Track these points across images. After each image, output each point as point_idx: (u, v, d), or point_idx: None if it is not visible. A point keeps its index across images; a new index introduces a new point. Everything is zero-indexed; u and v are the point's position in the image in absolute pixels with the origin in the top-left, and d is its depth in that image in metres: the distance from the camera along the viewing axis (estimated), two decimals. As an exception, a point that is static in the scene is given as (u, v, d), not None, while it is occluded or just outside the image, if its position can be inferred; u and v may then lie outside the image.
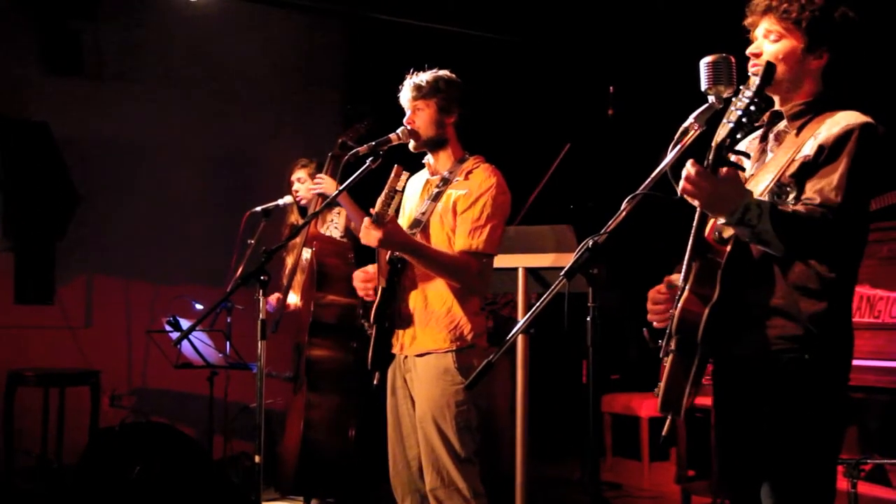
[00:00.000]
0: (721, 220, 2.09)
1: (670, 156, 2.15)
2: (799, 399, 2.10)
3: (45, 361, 5.20)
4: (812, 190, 2.08)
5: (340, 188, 3.15)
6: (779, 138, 2.25)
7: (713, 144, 2.00)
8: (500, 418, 4.80)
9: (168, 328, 4.45)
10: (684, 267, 2.15)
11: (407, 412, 3.01)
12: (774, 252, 2.05)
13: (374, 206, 2.78)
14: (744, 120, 1.97)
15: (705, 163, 2.01)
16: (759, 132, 2.33)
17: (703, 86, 2.18)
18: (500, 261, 3.14)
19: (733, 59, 2.18)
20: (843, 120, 2.12)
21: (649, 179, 2.14)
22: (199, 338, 4.40)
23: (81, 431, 4.98)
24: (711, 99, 2.18)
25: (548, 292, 2.13)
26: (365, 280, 3.05)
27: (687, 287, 2.11)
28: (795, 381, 2.09)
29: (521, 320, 2.24)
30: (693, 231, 2.13)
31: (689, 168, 2.01)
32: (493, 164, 3.06)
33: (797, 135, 2.18)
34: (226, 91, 5.94)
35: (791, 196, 2.12)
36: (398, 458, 3.03)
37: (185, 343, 4.28)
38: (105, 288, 5.70)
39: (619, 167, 5.21)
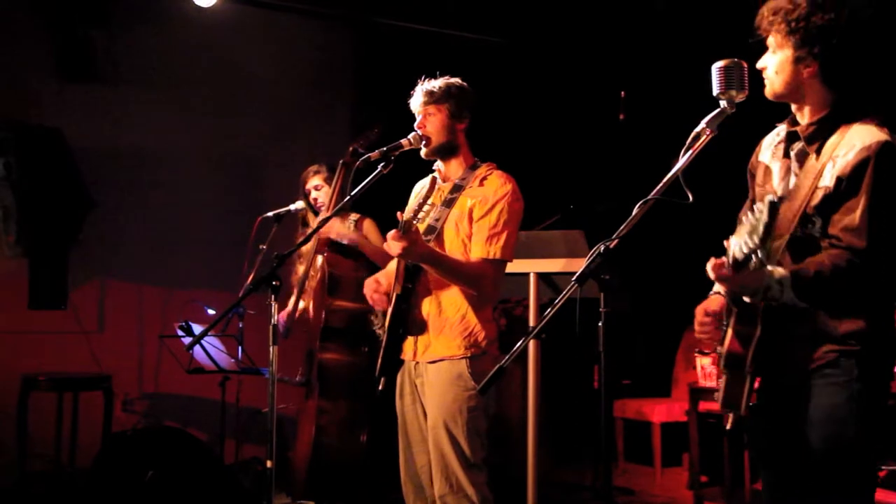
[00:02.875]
0: (747, 299, 2.13)
1: (682, 160, 2.15)
2: (844, 415, 2.11)
3: (59, 366, 5.22)
4: (837, 228, 2.09)
5: (356, 190, 3.12)
6: (800, 159, 2.24)
7: (731, 257, 2.00)
8: (511, 423, 4.79)
9: (180, 333, 4.46)
10: (725, 309, 2.22)
11: (415, 418, 3.01)
12: (803, 308, 2.09)
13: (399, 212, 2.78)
14: (752, 258, 1.96)
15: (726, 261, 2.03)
16: (782, 137, 2.32)
17: (715, 90, 2.18)
18: (512, 266, 3.14)
19: (745, 64, 2.18)
20: (858, 140, 2.10)
21: (661, 184, 2.14)
22: (212, 343, 4.41)
23: (94, 436, 5.00)
24: (723, 104, 2.18)
25: (559, 297, 2.13)
26: (376, 290, 3.05)
27: (730, 327, 2.18)
28: (841, 399, 2.11)
29: (533, 325, 2.24)
30: None
31: (709, 269, 2.08)
32: (503, 170, 3.06)
33: (817, 157, 2.17)
34: (237, 96, 5.96)
35: (818, 226, 2.13)
36: (408, 465, 3.03)
37: (197, 348, 4.30)
38: (118, 293, 5.72)
39: (630, 172, 5.20)
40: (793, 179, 2.23)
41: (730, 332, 2.18)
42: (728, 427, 2.25)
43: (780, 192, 2.24)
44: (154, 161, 5.70)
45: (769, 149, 2.36)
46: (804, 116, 2.24)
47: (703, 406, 5.18)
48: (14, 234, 5.16)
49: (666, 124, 3.71)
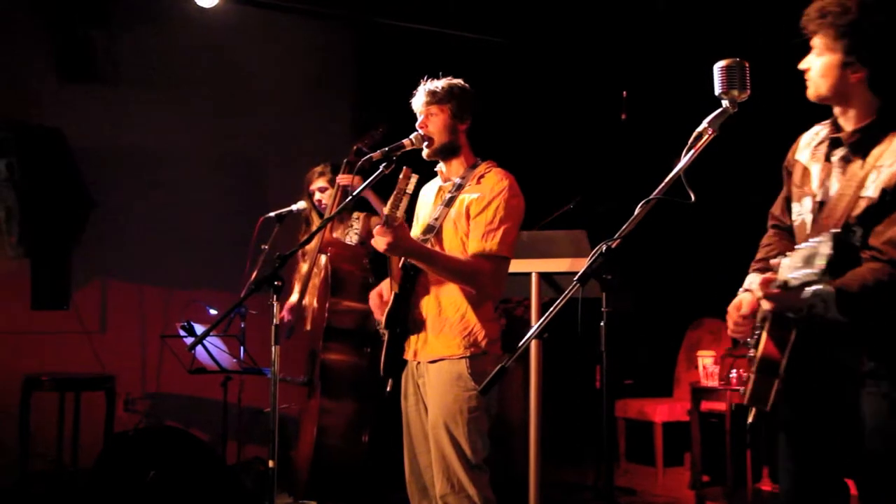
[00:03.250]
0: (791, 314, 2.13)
1: (684, 160, 2.15)
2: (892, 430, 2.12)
3: (61, 366, 5.23)
4: (879, 240, 2.07)
5: (358, 189, 3.14)
6: (843, 165, 2.22)
7: (781, 280, 1.98)
8: (513, 423, 4.79)
9: (182, 333, 4.46)
10: (759, 314, 2.22)
11: (418, 419, 3.01)
12: (846, 323, 2.07)
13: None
14: (806, 287, 1.95)
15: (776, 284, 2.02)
16: (822, 138, 2.31)
17: (717, 90, 2.18)
18: (514, 265, 3.13)
19: (747, 64, 2.18)
20: None
21: (663, 184, 2.14)
22: (214, 343, 4.41)
23: (96, 436, 5.00)
24: (725, 103, 2.18)
25: (561, 297, 2.13)
26: (379, 306, 3.06)
27: (765, 331, 2.17)
28: (885, 410, 2.12)
29: (535, 325, 2.24)
30: None
31: (756, 284, 2.10)
32: (505, 169, 3.06)
33: (861, 165, 2.16)
34: (238, 96, 5.97)
35: (858, 235, 2.11)
36: (412, 465, 3.03)
37: (199, 348, 4.30)
38: (120, 293, 5.73)
39: (632, 171, 5.20)
40: (835, 185, 2.21)
41: (764, 335, 2.17)
42: (750, 420, 2.29)
43: (819, 197, 2.23)
44: (155, 161, 5.70)
45: (808, 149, 2.34)
46: (849, 121, 2.23)
47: (705, 406, 5.18)
48: (16, 235, 5.17)
49: (668, 124, 3.71)
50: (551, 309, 2.13)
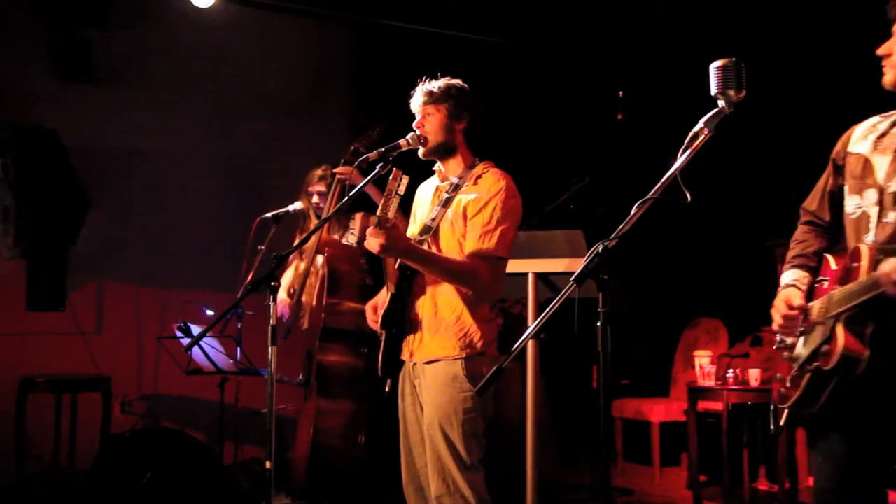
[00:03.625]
0: None
1: (680, 160, 2.15)
2: None
3: (57, 368, 5.22)
4: None
5: (355, 189, 3.14)
6: None
7: None
8: (510, 423, 4.79)
9: (179, 334, 4.46)
10: (835, 300, 2.17)
11: (415, 419, 3.01)
12: None
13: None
14: None
15: None
16: (886, 128, 2.29)
17: (713, 90, 2.18)
18: (511, 266, 3.13)
19: (743, 64, 2.18)
20: None
21: (660, 184, 2.14)
22: (210, 344, 4.41)
23: (93, 437, 4.99)
24: (721, 103, 2.18)
25: (558, 297, 2.13)
26: (374, 321, 3.07)
27: (840, 324, 2.14)
28: None
29: (532, 325, 2.25)
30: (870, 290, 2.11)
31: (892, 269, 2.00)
32: (503, 169, 3.06)
33: None
34: (235, 97, 5.96)
35: None
36: (409, 466, 3.03)
37: (195, 349, 4.30)
38: (116, 294, 5.72)
39: (628, 172, 5.21)
40: None
41: (840, 330, 2.13)
42: (782, 423, 2.27)
43: (893, 188, 2.19)
44: (152, 162, 5.70)
45: (866, 141, 2.31)
46: None
47: (702, 405, 5.18)
48: (12, 236, 5.16)
49: (664, 124, 3.72)
50: (548, 309, 2.13)
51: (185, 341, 4.31)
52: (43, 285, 5.28)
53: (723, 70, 2.16)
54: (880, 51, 2.20)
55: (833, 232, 2.41)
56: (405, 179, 2.76)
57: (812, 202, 2.47)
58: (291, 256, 4.65)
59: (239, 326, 4.75)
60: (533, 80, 6.26)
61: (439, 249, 2.97)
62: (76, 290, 5.50)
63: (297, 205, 4.68)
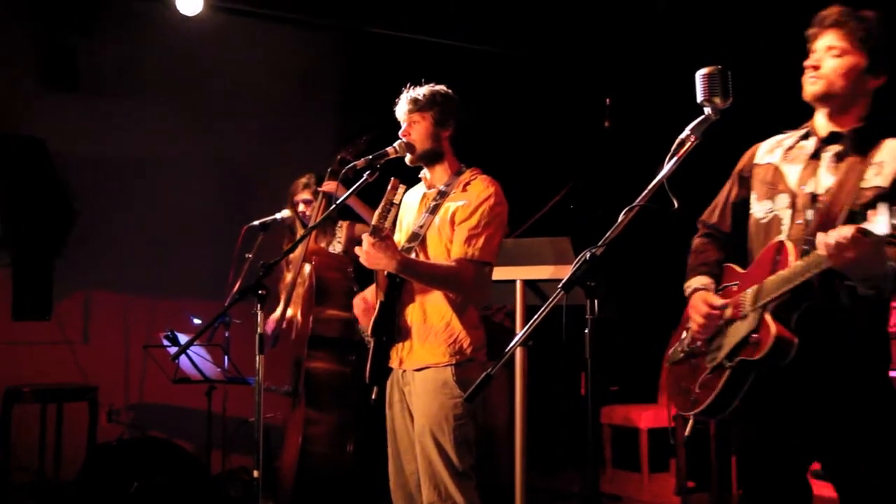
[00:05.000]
0: (850, 282, 2.15)
1: (667, 167, 2.16)
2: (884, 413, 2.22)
3: (43, 377, 5.18)
4: None
5: (342, 198, 3.15)
6: (837, 160, 2.29)
7: (866, 230, 1.96)
8: (498, 430, 4.79)
9: (166, 343, 4.44)
10: (759, 291, 2.24)
11: (404, 427, 3.00)
12: (883, 296, 2.16)
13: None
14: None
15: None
16: (797, 139, 2.40)
17: (699, 97, 2.20)
18: (498, 273, 3.14)
19: (729, 72, 2.20)
20: None
21: (647, 191, 2.15)
22: (198, 352, 4.40)
23: (79, 447, 4.96)
24: (707, 110, 2.20)
25: (546, 304, 2.13)
26: (364, 310, 3.06)
27: (768, 314, 2.21)
28: (878, 392, 2.23)
29: (520, 332, 2.25)
30: (804, 274, 2.17)
31: (847, 233, 2.00)
32: (490, 176, 3.06)
33: (860, 160, 2.24)
34: (223, 105, 5.95)
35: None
36: (397, 473, 3.02)
37: (183, 358, 4.28)
38: (103, 303, 5.69)
39: (616, 179, 5.22)
40: (828, 178, 2.28)
41: (770, 318, 2.20)
42: (687, 434, 2.35)
43: (810, 189, 2.29)
44: (139, 170, 5.68)
45: (773, 154, 2.43)
46: (843, 123, 2.32)
47: (690, 412, 5.19)
48: (-2, 244, 5.13)
49: (651, 131, 3.73)
50: (536, 316, 2.13)
51: (173, 350, 4.29)
52: (29, 294, 5.25)
53: (709, 78, 2.18)
54: (810, 62, 2.31)
55: (729, 244, 2.55)
56: (402, 189, 2.78)
57: (712, 215, 2.61)
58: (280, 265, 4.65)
59: (226, 335, 4.74)
60: (520, 87, 6.28)
61: (427, 257, 2.98)
62: (63, 299, 5.47)
63: (285, 213, 4.67)
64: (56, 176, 5.29)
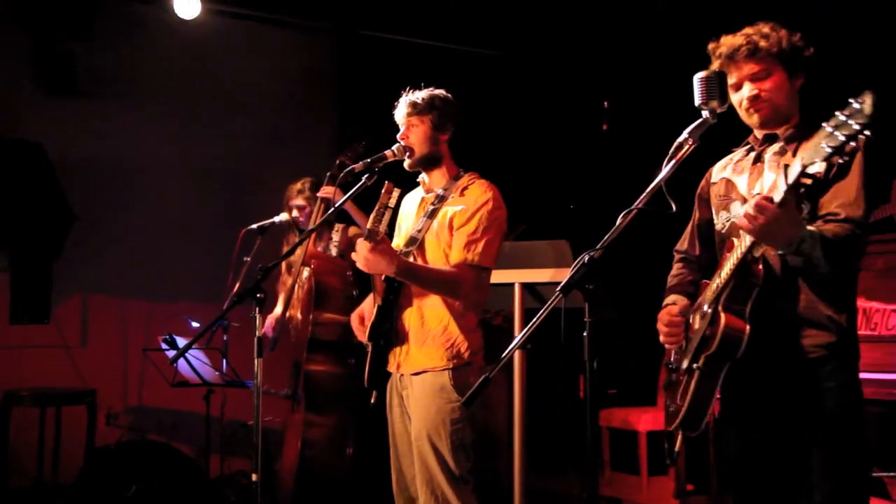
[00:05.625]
0: (775, 251, 2.19)
1: (665, 170, 2.17)
2: (839, 406, 2.21)
3: (41, 381, 5.18)
4: (833, 205, 2.19)
5: (340, 201, 3.15)
6: (776, 159, 2.32)
7: (791, 176, 2.01)
8: (497, 433, 4.79)
9: (164, 346, 4.44)
10: (716, 288, 2.26)
11: (404, 431, 3.00)
12: (820, 271, 2.16)
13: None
14: (808, 228, 2.09)
15: (778, 195, 2.05)
16: (743, 154, 2.45)
17: (697, 101, 2.21)
18: (497, 276, 3.14)
19: (726, 75, 2.21)
20: None
21: (645, 194, 2.16)
22: (196, 356, 4.39)
23: (77, 451, 4.95)
24: (705, 114, 2.20)
25: (544, 308, 2.13)
26: (359, 330, 3.06)
27: (720, 307, 2.22)
28: (831, 386, 2.21)
29: (518, 336, 2.25)
30: (739, 255, 2.20)
31: (751, 205, 2.07)
32: (488, 180, 3.07)
33: (793, 155, 2.25)
34: (221, 109, 5.95)
35: (805, 212, 2.22)
36: (399, 477, 3.02)
37: (181, 361, 4.28)
38: (101, 307, 5.68)
39: (614, 182, 5.22)
40: (770, 177, 2.30)
41: (722, 311, 2.21)
42: (676, 449, 2.37)
43: (756, 191, 2.31)
44: (137, 174, 5.67)
45: (725, 170, 2.49)
46: (782, 128, 2.37)
47: (689, 414, 5.19)
48: (-4, 248, 5.13)
49: (649, 135, 3.74)
50: (535, 319, 2.14)
51: (171, 353, 4.29)
52: (27, 298, 5.25)
53: (706, 81, 2.19)
54: (751, 93, 2.33)
55: (703, 265, 2.61)
56: (396, 192, 2.77)
57: (682, 243, 2.68)
58: (279, 269, 4.65)
59: (225, 338, 4.73)
60: (519, 91, 6.28)
61: (425, 261, 2.97)
62: (61, 303, 5.46)
63: (283, 216, 4.68)
64: (54, 179, 5.29)
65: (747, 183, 2.38)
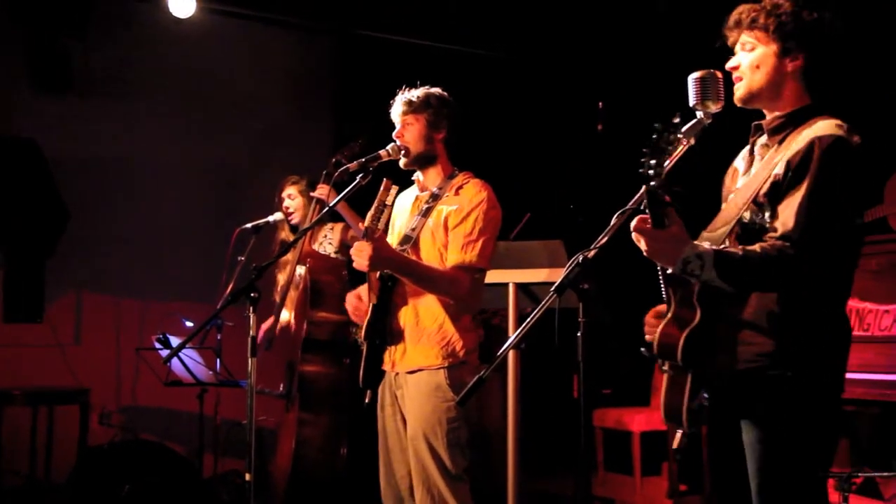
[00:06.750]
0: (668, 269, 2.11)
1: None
2: (781, 414, 2.09)
3: (34, 380, 5.16)
4: (777, 219, 2.08)
5: (334, 201, 3.15)
6: (763, 152, 2.25)
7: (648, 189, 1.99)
8: (491, 434, 4.79)
9: (158, 346, 4.43)
10: (664, 293, 2.18)
11: (395, 429, 3.00)
12: (727, 290, 2.05)
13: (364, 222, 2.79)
14: (694, 248, 2.00)
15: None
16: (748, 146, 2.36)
17: (692, 101, 2.20)
18: (491, 276, 3.14)
19: (720, 75, 2.20)
20: (813, 132, 2.10)
21: (639, 194, 2.15)
22: (190, 355, 4.38)
23: (70, 450, 4.94)
24: (699, 114, 2.20)
25: (538, 308, 2.13)
26: (356, 308, 3.05)
27: (670, 312, 2.15)
28: (778, 396, 2.09)
29: (513, 336, 2.25)
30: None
31: (633, 224, 2.04)
32: (483, 180, 3.07)
33: (777, 149, 2.18)
34: (216, 108, 5.94)
35: (766, 214, 2.12)
36: (388, 476, 3.02)
37: (175, 360, 4.27)
38: (94, 305, 5.67)
39: (608, 182, 5.23)
40: (753, 170, 2.24)
41: (668, 316, 2.15)
42: (675, 447, 2.22)
43: (739, 185, 2.25)
44: (131, 173, 5.66)
45: (740, 159, 2.38)
46: (769, 117, 2.25)
47: (683, 415, 5.19)
48: (-11, 246, 5.11)
49: (644, 135, 3.74)
50: (529, 319, 2.14)
51: (165, 353, 4.27)
52: (20, 296, 5.23)
53: (701, 81, 2.18)
54: (729, 65, 2.24)
55: None
56: (394, 190, 2.77)
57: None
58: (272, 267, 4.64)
59: (219, 337, 4.72)
60: (514, 91, 6.28)
61: (419, 259, 2.97)
62: (54, 302, 5.45)
63: (278, 215, 4.67)
64: (48, 177, 5.27)
65: (742, 173, 2.32)
